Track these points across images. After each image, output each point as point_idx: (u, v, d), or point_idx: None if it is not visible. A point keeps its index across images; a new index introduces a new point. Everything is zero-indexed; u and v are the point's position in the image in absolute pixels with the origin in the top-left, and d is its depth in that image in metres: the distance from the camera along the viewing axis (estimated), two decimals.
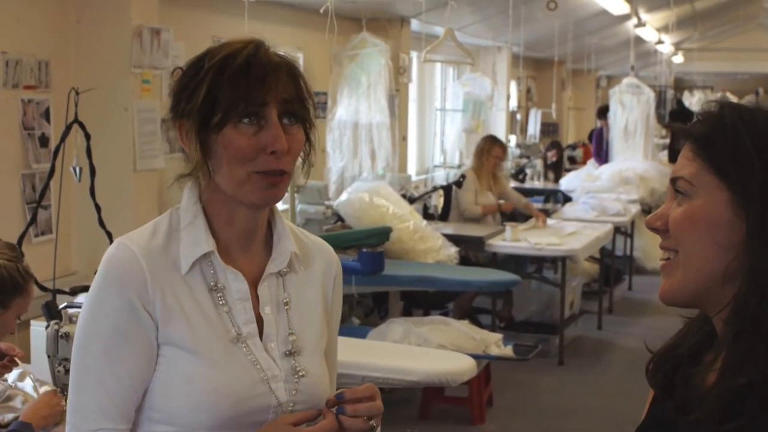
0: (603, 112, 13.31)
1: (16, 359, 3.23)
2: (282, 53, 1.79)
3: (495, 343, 6.19)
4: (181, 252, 1.76)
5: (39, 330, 3.62)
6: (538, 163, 12.99)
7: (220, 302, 1.77)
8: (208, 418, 1.70)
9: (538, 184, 12.60)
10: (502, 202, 8.59)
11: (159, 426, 1.74)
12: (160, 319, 1.72)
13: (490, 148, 8.53)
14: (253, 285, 1.81)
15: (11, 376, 3.33)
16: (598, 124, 14.01)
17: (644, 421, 1.54)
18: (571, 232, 8.30)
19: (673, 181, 1.44)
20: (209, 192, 1.78)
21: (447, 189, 8.93)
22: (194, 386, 1.70)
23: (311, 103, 1.79)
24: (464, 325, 6.36)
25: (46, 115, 5.40)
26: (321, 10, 5.23)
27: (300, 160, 1.80)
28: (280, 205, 7.90)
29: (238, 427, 1.73)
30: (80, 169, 4.65)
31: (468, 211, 8.40)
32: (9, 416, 3.11)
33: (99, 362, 1.71)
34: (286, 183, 1.76)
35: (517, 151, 13.73)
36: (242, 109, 1.70)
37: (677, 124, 1.50)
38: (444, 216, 8.75)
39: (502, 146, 8.73)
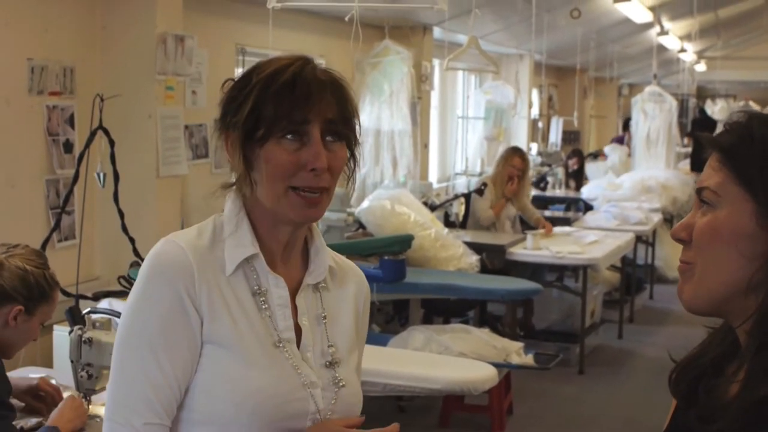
0: (628, 123, 13.32)
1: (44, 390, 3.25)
2: (330, 70, 1.80)
3: (516, 352, 6.18)
4: (226, 254, 1.78)
5: (62, 335, 3.65)
6: (560, 171, 12.96)
7: (263, 306, 1.79)
8: (250, 418, 1.70)
9: (559, 192, 12.58)
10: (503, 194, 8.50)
11: (198, 427, 1.74)
12: (206, 315, 1.73)
13: (508, 157, 8.48)
14: (291, 295, 1.84)
15: (34, 376, 3.35)
16: (621, 133, 14.01)
17: (666, 430, 1.54)
18: (592, 240, 8.28)
19: (699, 191, 1.43)
20: (253, 202, 1.81)
21: (468, 197, 8.93)
22: (238, 386, 1.71)
23: (357, 121, 1.82)
24: (485, 334, 6.35)
25: (71, 121, 5.44)
26: (346, 18, 5.25)
27: (346, 171, 1.83)
28: None
29: (277, 430, 1.74)
30: (104, 175, 4.68)
31: (483, 218, 8.37)
32: (32, 421, 3.13)
33: (145, 355, 1.71)
34: (326, 200, 1.78)
35: (539, 159, 13.71)
36: (284, 125, 1.72)
37: (704, 134, 1.49)
38: (464, 224, 8.74)
39: (522, 157, 8.65)
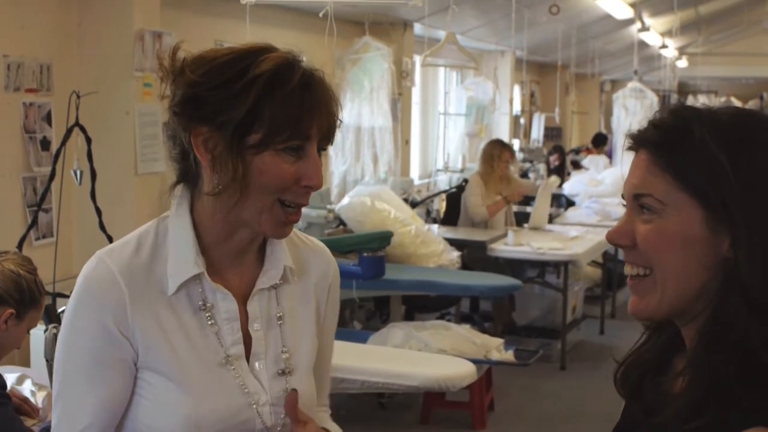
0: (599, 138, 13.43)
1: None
2: (324, 75, 1.67)
3: (496, 348, 6.18)
4: (169, 272, 1.66)
5: (38, 333, 3.62)
6: (542, 168, 12.97)
7: (209, 322, 1.69)
8: None
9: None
10: (505, 196, 8.45)
11: None
12: (140, 345, 1.64)
13: (500, 154, 8.41)
14: (243, 301, 1.73)
15: (10, 380, 3.33)
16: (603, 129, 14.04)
17: (617, 426, 1.55)
18: (573, 236, 8.29)
19: (637, 196, 1.38)
20: (208, 206, 1.67)
21: (451, 195, 8.90)
22: (175, 412, 1.64)
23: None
24: (465, 330, 6.35)
25: (48, 118, 5.41)
26: (320, 14, 5.23)
27: None
28: None
29: None
30: (81, 173, 4.66)
31: (476, 214, 8.32)
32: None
33: (75, 385, 1.66)
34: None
35: (521, 156, 13.72)
36: (288, 136, 1.59)
37: (636, 132, 1.42)
38: (449, 221, 8.72)
39: (511, 150, 8.68)
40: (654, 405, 1.39)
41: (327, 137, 1.65)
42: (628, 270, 1.42)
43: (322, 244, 1.91)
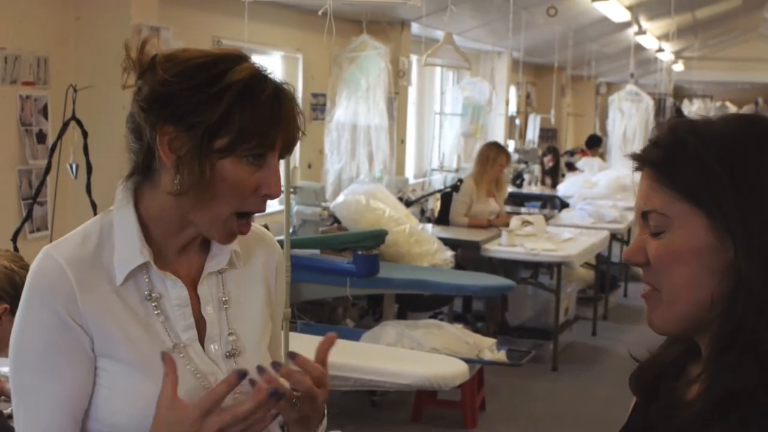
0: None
1: None
2: (293, 91, 1.69)
3: (488, 348, 6.19)
4: (115, 262, 1.66)
5: None
6: (536, 169, 12.98)
7: (155, 312, 1.68)
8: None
9: (535, 189, 12.60)
10: (492, 218, 8.49)
11: None
12: (94, 331, 1.63)
13: (495, 156, 8.42)
14: (192, 286, 1.74)
15: (3, 370, 3.33)
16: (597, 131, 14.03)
17: (625, 427, 1.55)
18: (567, 238, 8.29)
19: (644, 214, 1.41)
20: (161, 202, 1.67)
21: (446, 195, 8.91)
22: (133, 398, 1.63)
23: None
24: (458, 329, 6.36)
25: (44, 111, 5.41)
26: (320, 12, 5.24)
27: None
28: (275, 206, 7.82)
29: None
30: (77, 166, 4.65)
31: (456, 221, 8.37)
32: (10, 410, 3.11)
33: (35, 382, 1.64)
34: None
35: (516, 157, 13.73)
36: (254, 145, 1.61)
37: (634, 152, 1.45)
38: (443, 220, 8.72)
39: (507, 154, 8.66)
40: (669, 409, 1.41)
41: (288, 148, 1.67)
42: (645, 287, 1.44)
43: (265, 230, 1.92)
